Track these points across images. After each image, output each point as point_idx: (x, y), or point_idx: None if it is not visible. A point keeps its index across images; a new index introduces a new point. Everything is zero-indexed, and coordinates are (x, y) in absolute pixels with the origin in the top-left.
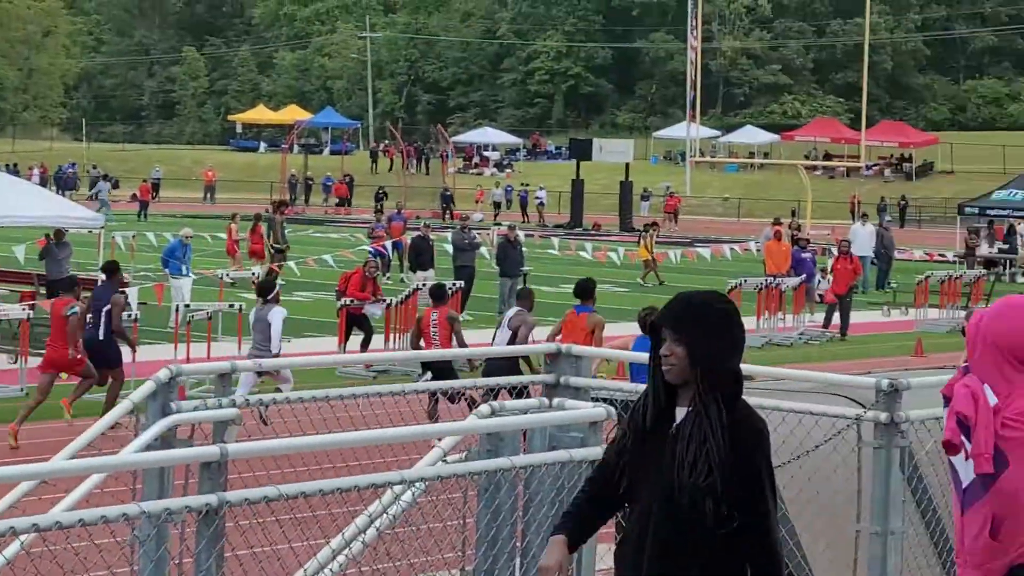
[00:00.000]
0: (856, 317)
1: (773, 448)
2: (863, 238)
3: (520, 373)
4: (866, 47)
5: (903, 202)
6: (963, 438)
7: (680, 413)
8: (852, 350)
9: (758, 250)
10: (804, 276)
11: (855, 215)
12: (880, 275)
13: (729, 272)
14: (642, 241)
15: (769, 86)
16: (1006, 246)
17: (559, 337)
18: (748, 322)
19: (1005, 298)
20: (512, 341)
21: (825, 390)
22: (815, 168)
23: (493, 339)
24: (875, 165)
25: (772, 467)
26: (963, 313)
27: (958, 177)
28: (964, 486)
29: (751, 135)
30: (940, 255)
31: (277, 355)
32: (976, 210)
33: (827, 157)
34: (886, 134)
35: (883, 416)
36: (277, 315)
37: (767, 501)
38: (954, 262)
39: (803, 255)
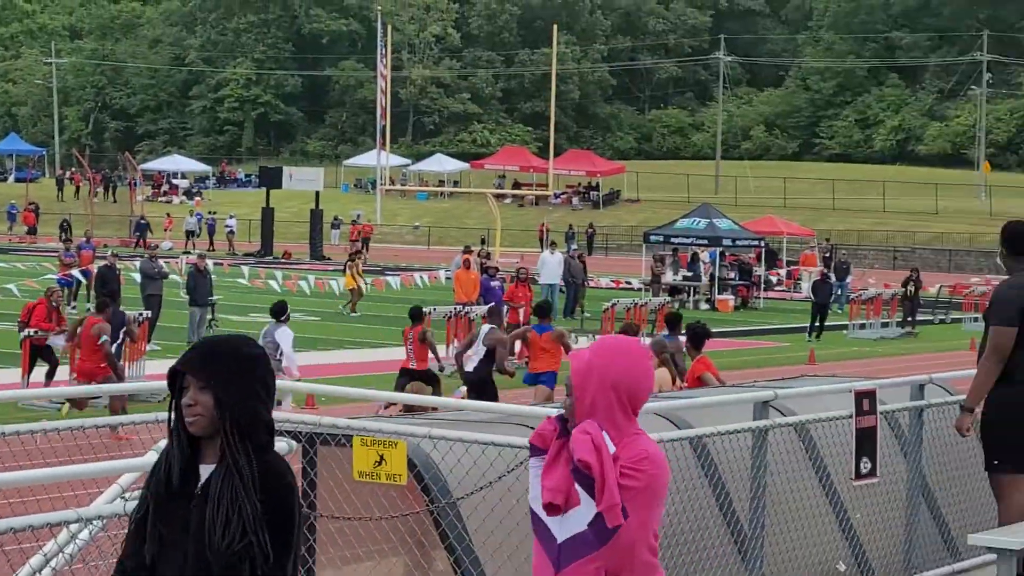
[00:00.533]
0: None
1: (458, 480)
2: (551, 266)
3: (493, 386)
4: (553, 77)
5: (590, 230)
6: (579, 489)
7: (205, 471)
8: None
9: (448, 278)
10: (493, 304)
11: (544, 243)
12: (568, 302)
13: (419, 300)
14: (348, 270)
15: (459, 115)
16: (690, 273)
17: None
18: (438, 350)
19: (615, 339)
20: (489, 357)
21: (508, 420)
22: (504, 196)
23: (462, 354)
24: (563, 193)
25: (300, 519)
26: (647, 340)
27: (644, 205)
28: (561, 541)
29: (441, 163)
30: (626, 282)
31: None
32: (661, 238)
33: (516, 186)
34: (574, 163)
35: None
36: (285, 336)
37: (290, 553)
38: (640, 289)
39: (492, 283)
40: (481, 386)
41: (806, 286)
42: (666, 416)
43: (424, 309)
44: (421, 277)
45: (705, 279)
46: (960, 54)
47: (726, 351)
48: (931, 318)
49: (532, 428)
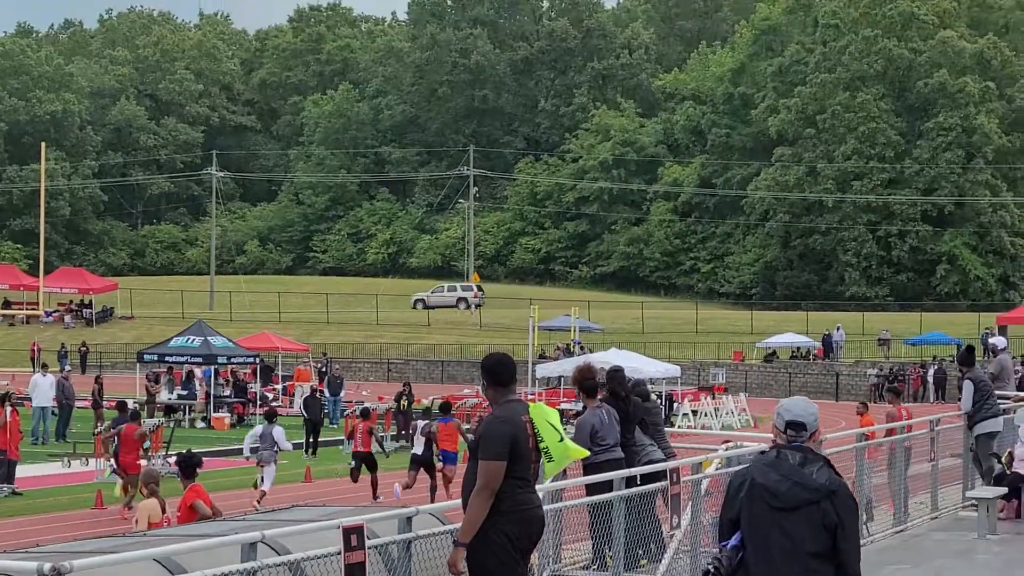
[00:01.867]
0: (36, 470)
1: None
2: (43, 388)
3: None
4: (42, 193)
5: (84, 348)
6: None
7: None
8: (31, 505)
9: None
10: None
11: (36, 364)
12: (60, 425)
13: None
14: None
15: None
16: (185, 392)
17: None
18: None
19: None
20: (429, 442)
21: None
22: None
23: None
24: (55, 312)
25: None
26: (149, 463)
27: (139, 322)
28: None
29: None
30: (120, 402)
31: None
32: (155, 356)
33: (6, 304)
34: (65, 280)
35: None
36: (280, 431)
37: None
38: (136, 408)
39: None
40: (428, 462)
41: (300, 401)
42: (160, 562)
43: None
44: None
45: (201, 397)
46: (448, 168)
47: (225, 470)
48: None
49: None
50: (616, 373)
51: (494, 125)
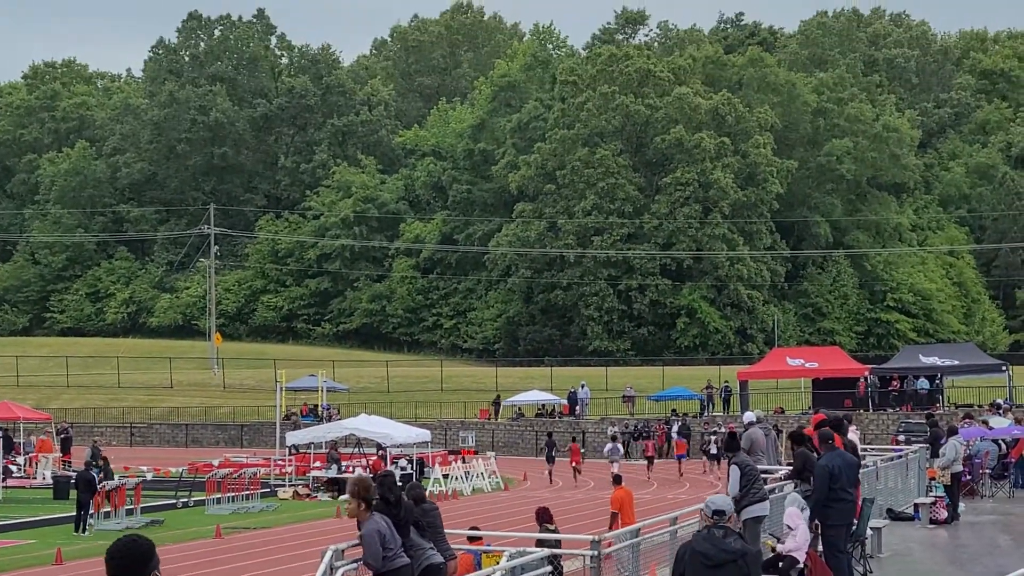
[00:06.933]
0: None
1: None
2: None
3: None
4: None
5: None
6: None
7: None
8: None
9: None
10: None
11: None
12: None
13: None
14: None
15: None
16: None
17: None
18: None
19: None
20: None
21: None
22: None
23: None
24: None
25: None
26: None
27: None
28: None
29: None
30: None
31: None
32: None
33: None
34: None
35: None
36: None
37: None
38: None
39: None
40: None
41: (47, 473)
42: None
43: None
44: None
45: None
46: (188, 226)
47: None
48: (174, 501)
49: None
50: (385, 479)
51: (234, 182)
